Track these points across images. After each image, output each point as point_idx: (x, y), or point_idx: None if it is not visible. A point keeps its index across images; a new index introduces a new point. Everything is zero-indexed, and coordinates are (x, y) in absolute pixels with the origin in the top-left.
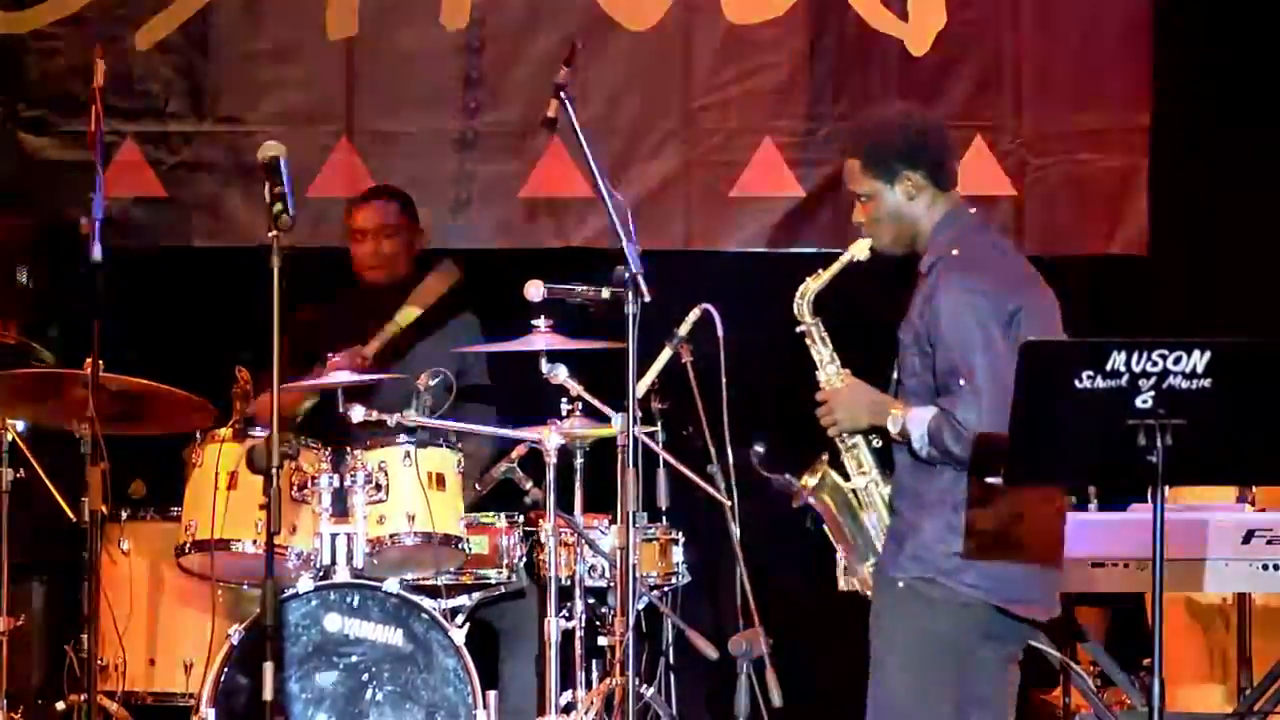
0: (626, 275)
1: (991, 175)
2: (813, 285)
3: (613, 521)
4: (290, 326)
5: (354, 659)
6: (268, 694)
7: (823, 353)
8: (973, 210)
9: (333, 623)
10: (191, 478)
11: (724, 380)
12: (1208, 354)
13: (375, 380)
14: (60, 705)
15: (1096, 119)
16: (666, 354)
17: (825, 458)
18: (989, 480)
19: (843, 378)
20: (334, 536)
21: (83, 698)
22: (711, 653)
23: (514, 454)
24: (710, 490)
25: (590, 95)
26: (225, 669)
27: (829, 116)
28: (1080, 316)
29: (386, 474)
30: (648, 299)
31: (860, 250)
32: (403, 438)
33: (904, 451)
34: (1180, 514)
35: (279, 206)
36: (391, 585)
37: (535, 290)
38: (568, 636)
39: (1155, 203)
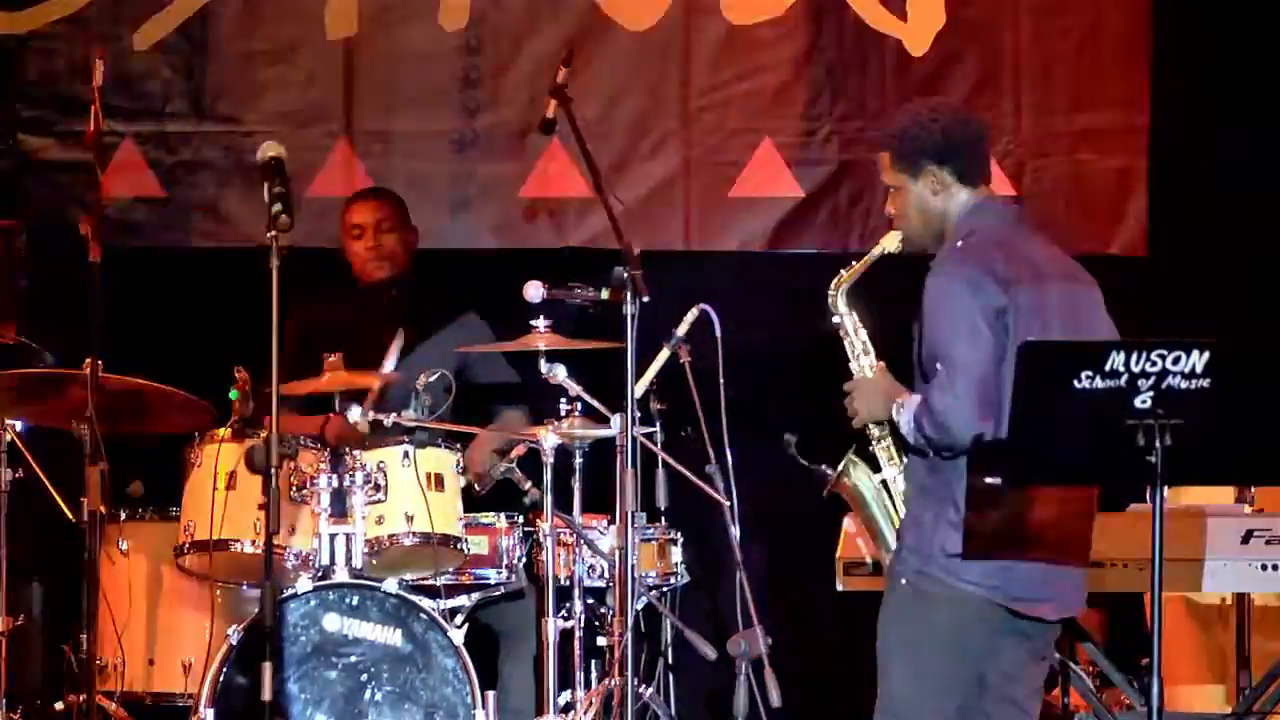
0: (625, 275)
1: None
2: (846, 277)
3: (611, 522)
4: (291, 324)
5: (353, 659)
6: (266, 694)
7: (855, 345)
8: (1003, 203)
9: (332, 623)
10: (190, 478)
11: (722, 380)
12: (1206, 354)
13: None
14: (59, 705)
15: (1096, 119)
16: (665, 354)
17: (854, 449)
18: (988, 480)
19: (875, 369)
20: (333, 537)
21: (82, 698)
22: (710, 653)
23: (513, 454)
24: (709, 490)
25: (590, 95)
26: (224, 669)
27: (828, 117)
28: None
29: (385, 474)
30: (646, 299)
31: (891, 243)
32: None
33: None
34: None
35: (278, 207)
36: (390, 585)
37: (534, 291)
38: (566, 637)
39: (1154, 203)
